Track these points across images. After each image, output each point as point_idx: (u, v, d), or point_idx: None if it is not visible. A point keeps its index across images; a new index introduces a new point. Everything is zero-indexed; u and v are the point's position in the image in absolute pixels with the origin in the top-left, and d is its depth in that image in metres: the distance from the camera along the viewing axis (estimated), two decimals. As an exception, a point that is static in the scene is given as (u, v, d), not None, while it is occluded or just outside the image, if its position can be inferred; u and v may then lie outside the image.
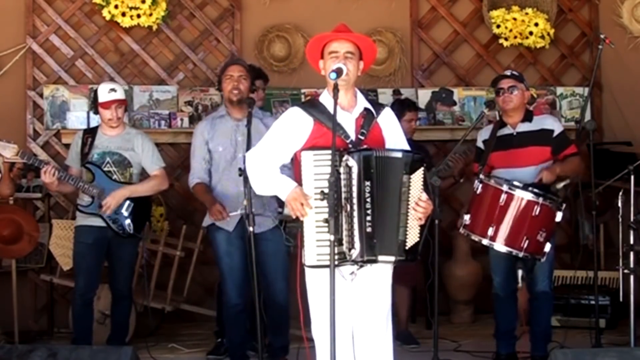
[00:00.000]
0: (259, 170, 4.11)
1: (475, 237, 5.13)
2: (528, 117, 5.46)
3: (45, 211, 6.76)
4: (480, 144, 5.55)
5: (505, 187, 5.04)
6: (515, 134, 5.42)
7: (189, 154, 6.59)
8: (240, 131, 5.22)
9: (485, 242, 5.10)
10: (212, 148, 5.31)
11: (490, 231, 5.05)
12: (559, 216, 5.09)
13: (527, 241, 5.01)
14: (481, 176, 5.18)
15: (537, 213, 5.00)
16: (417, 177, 3.97)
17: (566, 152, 5.40)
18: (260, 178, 4.11)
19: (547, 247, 5.09)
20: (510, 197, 5.03)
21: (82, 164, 5.51)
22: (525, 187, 5.08)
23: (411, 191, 3.95)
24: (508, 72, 5.54)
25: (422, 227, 4.01)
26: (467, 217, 5.15)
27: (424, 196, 3.99)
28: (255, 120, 5.22)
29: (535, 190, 5.08)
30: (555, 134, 5.41)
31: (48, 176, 5.29)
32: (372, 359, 4.08)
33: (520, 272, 5.13)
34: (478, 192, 5.15)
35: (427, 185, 4.04)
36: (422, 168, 3.99)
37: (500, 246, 5.06)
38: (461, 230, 5.21)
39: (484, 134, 5.56)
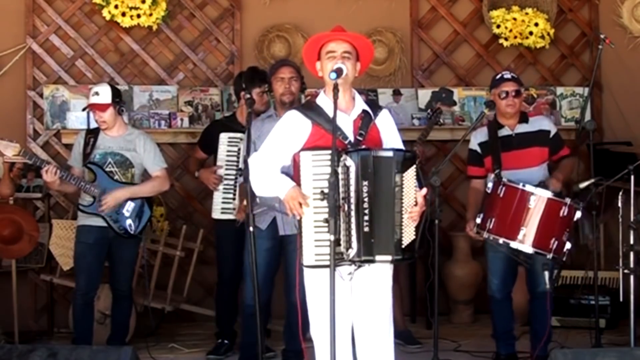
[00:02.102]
0: (258, 171, 4.12)
1: (504, 241, 5.07)
2: (524, 118, 5.46)
3: (45, 211, 6.76)
4: (475, 147, 5.51)
5: (531, 189, 5.02)
6: (514, 135, 5.42)
7: (189, 154, 6.64)
8: None
9: (514, 245, 5.03)
10: (257, 148, 5.31)
11: (521, 234, 5.00)
12: (578, 215, 5.09)
13: (555, 242, 5.00)
14: (504, 180, 5.15)
15: (565, 213, 5.01)
16: (410, 176, 3.97)
17: (561, 154, 5.43)
18: (259, 179, 4.13)
19: (567, 246, 5.07)
20: (538, 199, 5.01)
21: (83, 163, 5.52)
22: (546, 187, 5.10)
23: (405, 189, 3.95)
24: (508, 75, 5.47)
25: (417, 225, 4.01)
26: (492, 220, 5.08)
27: (420, 197, 3.99)
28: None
29: (556, 190, 5.10)
30: (551, 134, 5.43)
31: (50, 175, 5.30)
32: (374, 359, 4.07)
33: (546, 274, 5.10)
34: (501, 195, 5.10)
35: (420, 181, 4.04)
36: (414, 165, 3.99)
37: (528, 248, 5.03)
38: (485, 235, 5.14)
39: (479, 137, 5.53)
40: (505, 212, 5.08)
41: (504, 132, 5.44)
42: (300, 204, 3.92)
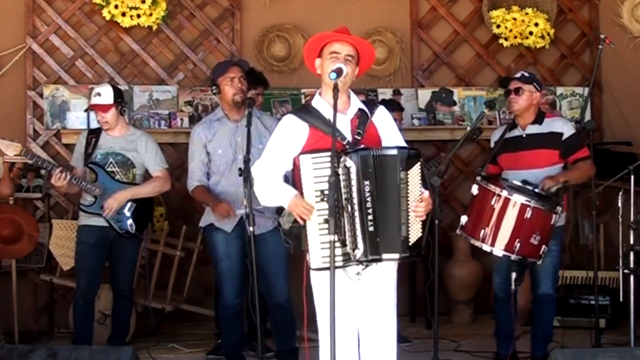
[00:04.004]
0: (262, 182, 4.14)
1: (472, 241, 5.10)
2: (539, 119, 5.40)
3: (45, 211, 6.76)
4: (493, 145, 5.54)
5: (498, 190, 5.00)
6: (524, 135, 5.39)
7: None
8: (240, 132, 5.22)
9: (476, 243, 5.07)
10: (212, 150, 5.29)
11: (483, 233, 5.02)
12: (554, 219, 5.06)
13: (519, 243, 4.98)
14: (477, 178, 5.16)
15: (529, 216, 4.97)
16: (415, 173, 3.98)
17: (577, 156, 5.34)
18: (263, 190, 4.15)
19: (543, 249, 5.07)
20: (501, 199, 4.99)
21: (85, 163, 5.52)
22: (523, 188, 5.06)
23: (410, 187, 3.97)
24: (518, 74, 5.45)
25: (424, 222, 4.02)
26: (464, 219, 5.13)
27: (425, 194, 4.00)
28: (253, 119, 5.24)
29: (533, 191, 5.06)
30: (564, 137, 5.34)
31: (60, 181, 5.30)
32: (378, 357, 4.09)
33: (513, 275, 5.11)
34: (475, 194, 5.14)
35: (425, 180, 4.04)
36: (419, 163, 4.00)
37: (495, 250, 5.02)
38: (457, 232, 5.20)
39: (496, 135, 5.55)
40: (476, 212, 5.10)
41: (516, 132, 5.42)
42: (307, 209, 3.92)
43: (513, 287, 5.14)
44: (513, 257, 5.01)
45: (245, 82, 5.33)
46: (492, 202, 5.01)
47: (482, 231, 5.03)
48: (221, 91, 5.30)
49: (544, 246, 5.04)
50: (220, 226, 5.23)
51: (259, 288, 5.32)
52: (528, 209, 4.97)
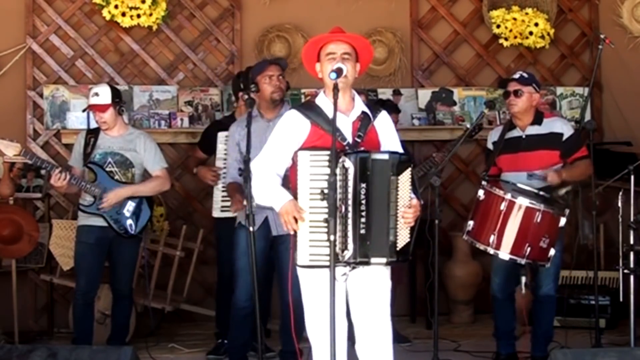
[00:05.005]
0: (259, 180, 4.13)
1: (478, 245, 5.07)
2: (538, 119, 5.38)
3: (45, 211, 6.76)
4: (490, 146, 5.52)
5: (507, 195, 4.98)
6: (524, 137, 5.37)
7: (190, 153, 6.65)
8: (271, 130, 5.21)
9: (484, 248, 5.04)
10: (243, 149, 5.29)
11: (492, 239, 5.00)
12: (562, 221, 5.05)
13: (529, 248, 4.96)
14: (483, 182, 5.14)
15: (538, 220, 4.95)
16: (405, 178, 3.98)
17: (576, 156, 5.34)
18: (259, 188, 4.14)
19: (552, 252, 5.05)
20: (511, 204, 4.97)
21: (84, 163, 5.52)
22: (530, 191, 5.04)
23: (400, 192, 3.96)
24: (517, 75, 5.43)
25: (412, 228, 4.01)
26: (470, 224, 5.11)
27: (414, 200, 4.00)
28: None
29: (539, 194, 5.05)
30: (564, 137, 5.34)
31: (60, 181, 5.30)
32: (373, 359, 4.08)
33: (523, 279, 5.09)
34: (481, 198, 5.11)
35: (415, 186, 4.04)
36: (410, 169, 4.00)
37: (502, 254, 5.01)
38: (465, 237, 5.16)
39: (493, 135, 5.52)
40: (483, 216, 5.08)
41: (515, 133, 5.40)
42: (296, 220, 3.90)
43: (523, 291, 5.13)
44: (523, 261, 4.99)
45: (283, 81, 5.36)
46: (501, 207, 4.98)
47: (492, 236, 5.00)
48: (259, 89, 5.31)
49: (552, 249, 5.03)
50: (246, 224, 5.21)
51: (266, 289, 5.34)
52: (537, 212, 4.95)
